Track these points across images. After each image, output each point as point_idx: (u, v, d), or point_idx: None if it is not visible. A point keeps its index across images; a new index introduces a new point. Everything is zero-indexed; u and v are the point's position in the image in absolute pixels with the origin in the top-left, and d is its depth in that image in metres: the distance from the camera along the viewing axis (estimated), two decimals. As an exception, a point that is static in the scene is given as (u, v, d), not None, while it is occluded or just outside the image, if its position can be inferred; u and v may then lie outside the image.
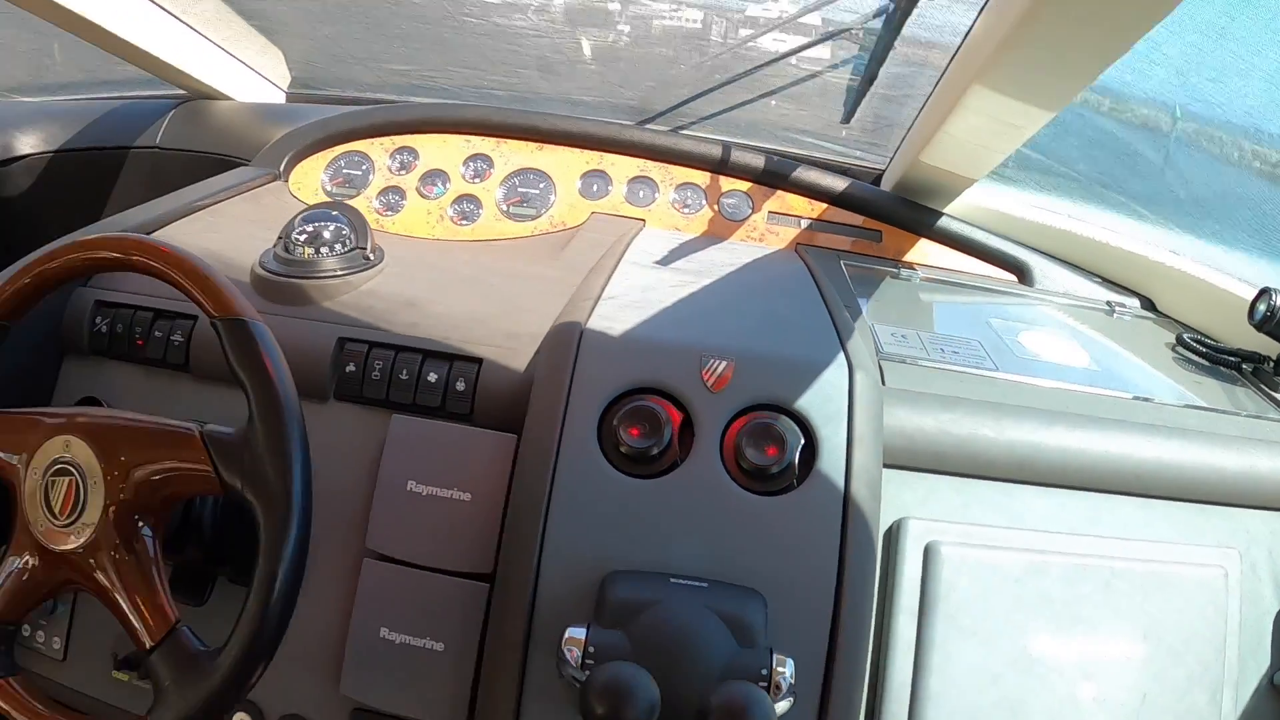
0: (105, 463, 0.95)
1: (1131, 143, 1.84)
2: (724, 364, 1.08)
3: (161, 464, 0.95)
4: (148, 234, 1.48)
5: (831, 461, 1.03)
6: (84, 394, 1.32)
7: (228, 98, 2.30)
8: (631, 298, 1.25)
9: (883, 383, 1.16)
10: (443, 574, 1.12)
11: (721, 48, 1.92)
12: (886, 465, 1.09)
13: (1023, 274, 1.77)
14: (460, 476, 1.14)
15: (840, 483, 1.02)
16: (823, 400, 1.07)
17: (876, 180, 1.91)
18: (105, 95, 2.54)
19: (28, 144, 2.31)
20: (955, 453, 1.11)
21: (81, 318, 1.34)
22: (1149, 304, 1.75)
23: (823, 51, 1.82)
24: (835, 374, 1.09)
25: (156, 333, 1.30)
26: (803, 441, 1.04)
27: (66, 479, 0.95)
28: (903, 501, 1.10)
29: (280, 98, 2.41)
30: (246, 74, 2.33)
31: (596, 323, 1.16)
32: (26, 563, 0.96)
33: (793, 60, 1.85)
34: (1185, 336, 1.54)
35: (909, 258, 1.78)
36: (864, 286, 1.56)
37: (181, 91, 2.34)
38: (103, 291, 1.35)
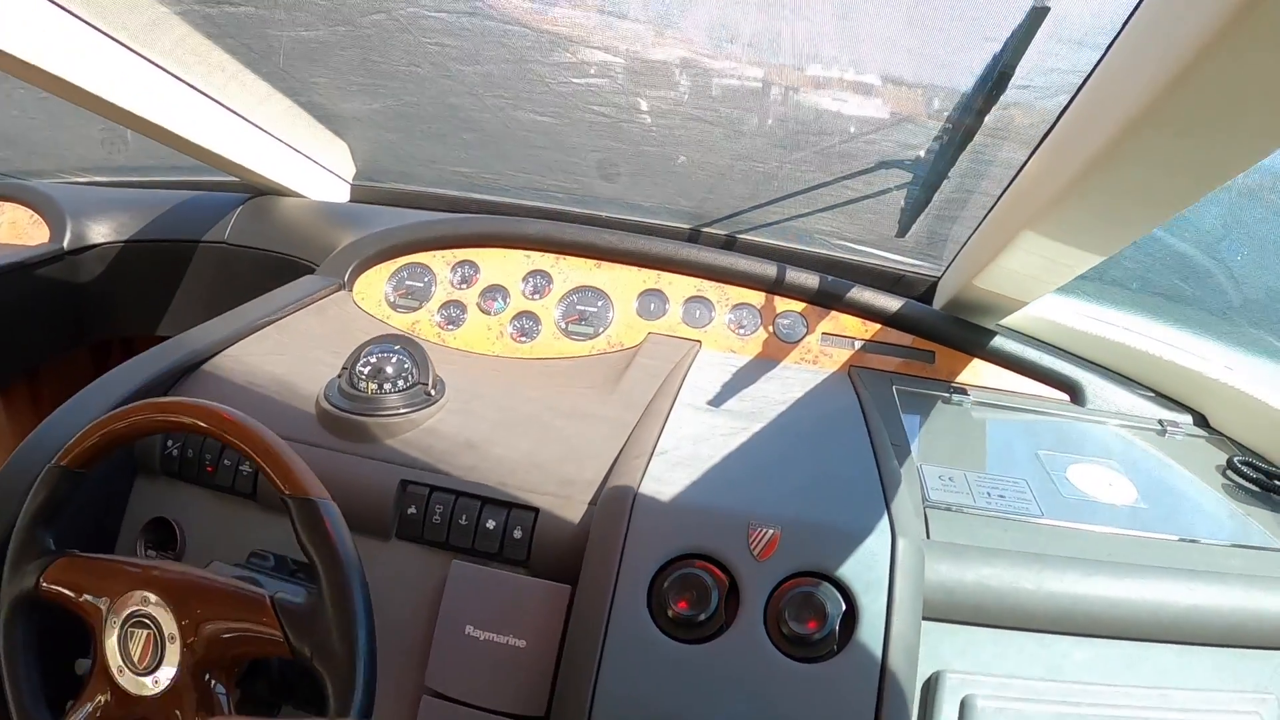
0: (181, 619, 1.00)
1: (1190, 255, 1.82)
2: (771, 532, 1.11)
3: (233, 624, 1.00)
4: (220, 353, 1.57)
5: (871, 629, 1.05)
6: (154, 514, 1.38)
7: (294, 193, 2.36)
8: (683, 452, 1.29)
9: (927, 535, 1.19)
10: (497, 715, 1.16)
11: (776, 163, 1.95)
12: (926, 618, 1.11)
13: (1075, 393, 1.76)
14: (516, 623, 1.18)
15: (879, 649, 1.04)
16: (865, 568, 1.09)
17: (928, 289, 1.94)
18: (175, 180, 2.64)
19: (100, 233, 2.41)
20: (995, 605, 1.13)
21: (154, 440, 1.39)
22: (1202, 420, 1.73)
23: (879, 174, 1.83)
24: (878, 541, 1.11)
25: (225, 460, 1.35)
26: (844, 609, 1.06)
27: (145, 631, 1.00)
28: (941, 654, 1.12)
29: (345, 191, 2.48)
30: (312, 169, 2.39)
31: (649, 485, 1.19)
32: (103, 702, 1.01)
33: (848, 183, 1.87)
34: (1237, 460, 1.52)
35: (961, 379, 1.79)
36: (915, 414, 1.58)
37: (249, 185, 2.41)
38: None
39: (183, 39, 1.86)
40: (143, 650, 1.00)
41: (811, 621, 1.05)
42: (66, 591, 1.06)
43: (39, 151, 2.85)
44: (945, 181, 1.72)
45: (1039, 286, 1.54)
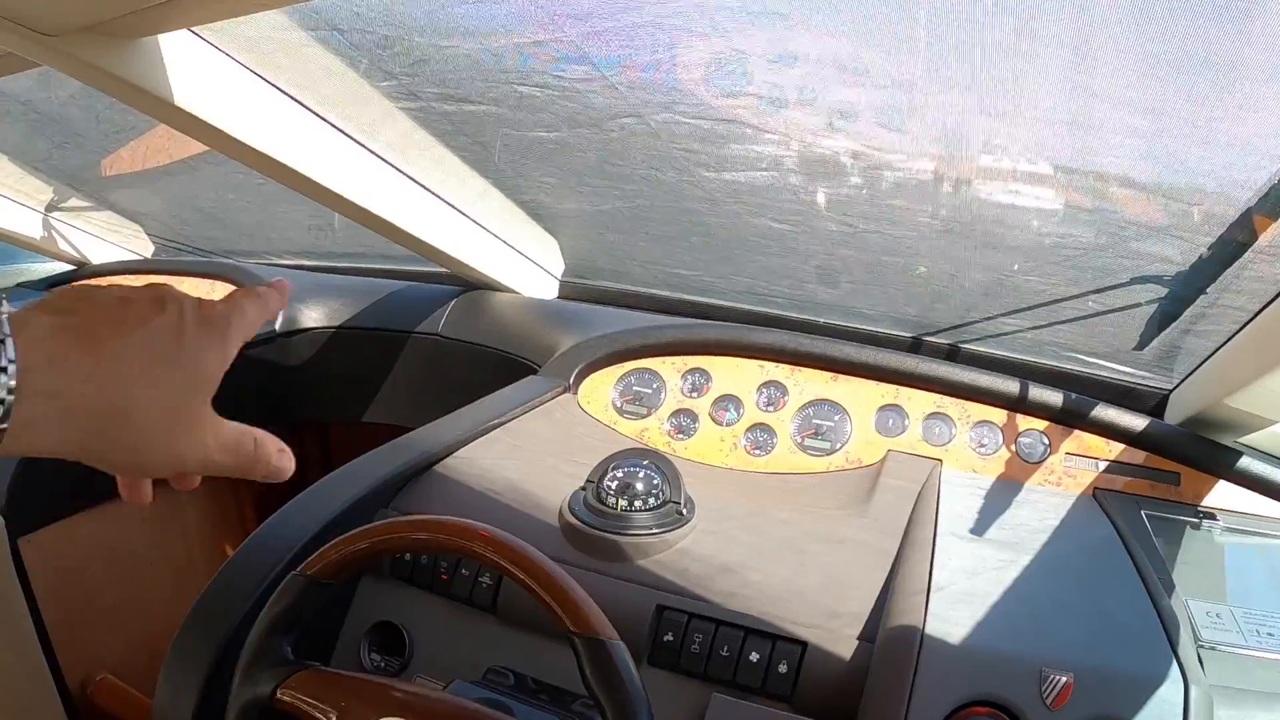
0: None
1: None
2: (1064, 679, 1.07)
3: None
4: (450, 454, 1.60)
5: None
6: (380, 617, 1.37)
7: (505, 288, 2.42)
8: (959, 588, 1.25)
9: (1206, 679, 1.13)
10: None
11: (1018, 270, 1.91)
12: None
13: None
14: (782, 763, 1.15)
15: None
16: (1158, 718, 1.05)
17: (1157, 402, 1.87)
18: (382, 269, 2.75)
19: (311, 317, 2.52)
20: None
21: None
22: None
23: (1130, 288, 1.78)
24: (1170, 690, 1.07)
25: (464, 570, 1.34)
26: (1137, 769, 1.01)
27: None
28: None
29: (554, 287, 2.53)
30: (525, 265, 2.45)
31: (934, 625, 1.16)
32: None
33: (1091, 298, 1.83)
34: None
35: (1209, 502, 1.70)
36: (1169, 544, 1.51)
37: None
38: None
39: (407, 133, 1.96)
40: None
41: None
42: (305, 707, 1.02)
43: (248, 233, 3.03)
44: (1202, 297, 1.66)
45: None
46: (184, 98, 1.51)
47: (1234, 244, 1.53)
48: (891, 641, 1.16)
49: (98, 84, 1.45)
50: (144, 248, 3.30)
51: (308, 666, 1.05)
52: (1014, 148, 1.67)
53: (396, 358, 2.48)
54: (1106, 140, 1.55)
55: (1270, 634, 1.26)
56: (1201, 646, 1.20)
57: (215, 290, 2.72)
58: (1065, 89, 1.48)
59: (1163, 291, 1.72)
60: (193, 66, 1.52)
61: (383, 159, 1.93)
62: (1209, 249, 1.59)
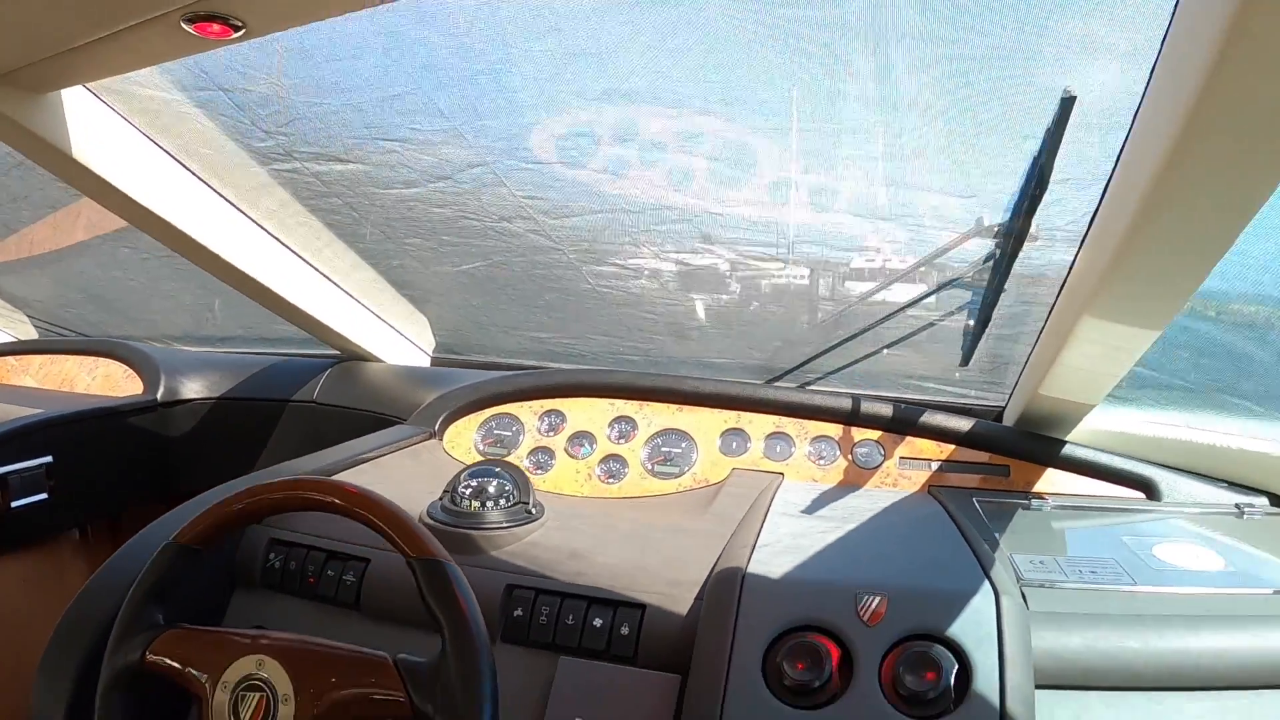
0: (298, 683, 1.03)
1: (1237, 344, 1.89)
2: (878, 599, 1.16)
3: (354, 688, 1.03)
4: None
5: (986, 683, 1.08)
6: (253, 624, 1.38)
7: (378, 359, 2.53)
8: (784, 544, 1.35)
9: (1027, 606, 1.22)
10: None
11: (838, 304, 2.05)
12: (1037, 686, 1.12)
13: (1150, 490, 1.80)
14: (626, 715, 1.22)
15: (995, 703, 1.07)
16: (973, 626, 1.13)
17: (998, 417, 2.00)
18: (261, 351, 2.82)
19: (192, 389, 2.58)
20: (1103, 667, 1.15)
21: (255, 553, 1.48)
22: (1277, 499, 1.78)
23: (937, 300, 1.93)
24: (982, 601, 1.16)
25: (329, 571, 1.42)
26: (956, 666, 1.10)
27: (258, 695, 1.03)
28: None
29: (426, 361, 2.64)
30: (396, 338, 2.57)
31: (755, 567, 1.25)
32: None
33: (909, 312, 1.96)
34: None
35: (1038, 488, 1.84)
36: (998, 520, 1.62)
37: (334, 352, 2.58)
38: (277, 530, 1.49)
39: (285, 202, 2.08)
40: (254, 712, 1.02)
41: (929, 674, 1.09)
42: (173, 663, 1.08)
43: (132, 317, 3.12)
44: (1002, 296, 1.80)
45: (1103, 381, 1.61)
46: (80, 152, 1.63)
47: (1014, 237, 1.69)
48: (716, 583, 1.25)
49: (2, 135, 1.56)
50: (27, 332, 3.36)
51: (179, 626, 1.11)
52: (837, 199, 1.87)
53: (275, 425, 2.55)
54: (904, 187, 1.78)
55: (1093, 572, 1.37)
56: (1026, 584, 1.30)
57: (99, 367, 2.80)
58: (867, 160, 1.74)
59: (968, 297, 1.89)
60: (88, 123, 1.64)
61: (262, 227, 2.05)
62: (996, 248, 1.76)
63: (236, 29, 1.29)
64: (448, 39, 1.73)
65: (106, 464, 2.40)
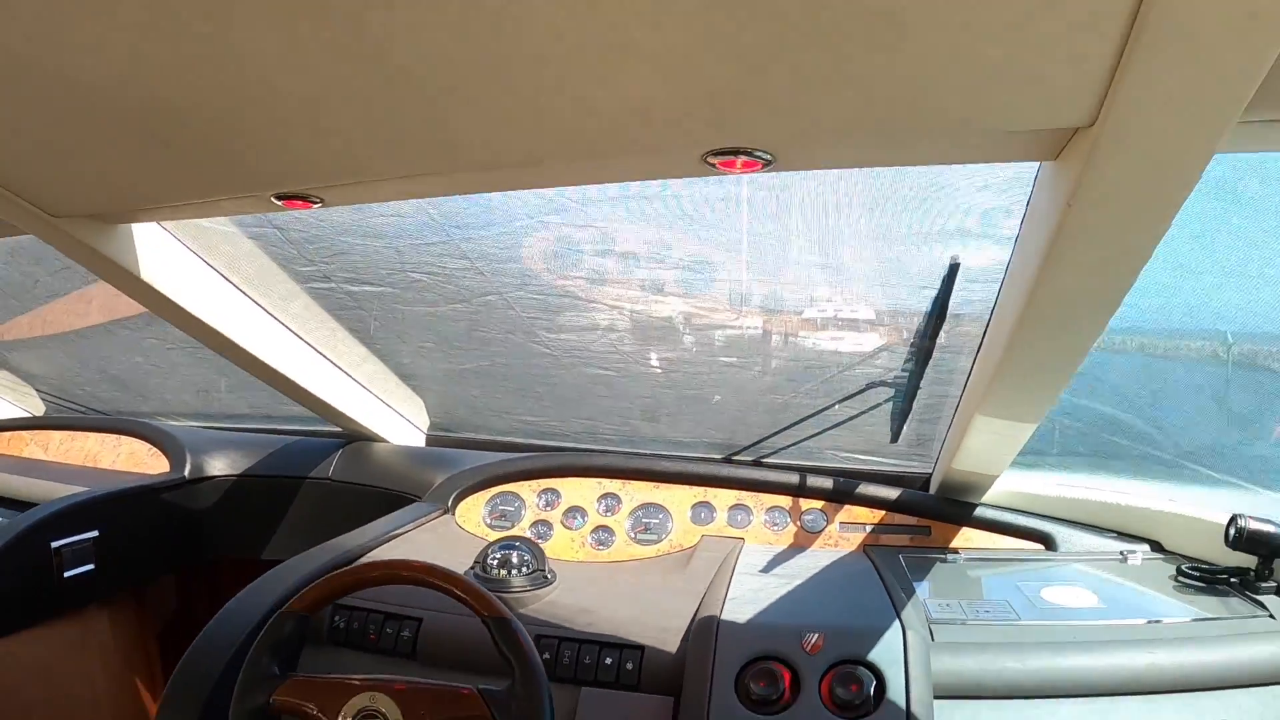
0: (406, 711, 1.33)
1: (1122, 418, 2.28)
2: (817, 635, 1.56)
3: (450, 713, 1.35)
4: (361, 556, 1.97)
5: (896, 693, 1.47)
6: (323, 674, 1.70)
7: (380, 439, 2.81)
8: (748, 597, 1.74)
9: (932, 639, 1.61)
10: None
11: (793, 393, 2.41)
12: (941, 697, 1.51)
13: (1048, 542, 2.16)
14: (636, 729, 1.59)
15: (902, 706, 1.45)
16: (886, 652, 1.53)
17: (925, 484, 2.37)
18: (270, 429, 3.06)
19: (217, 467, 2.81)
20: (990, 682, 1.53)
21: (322, 616, 1.77)
22: (1157, 546, 2.12)
23: (871, 392, 2.30)
24: (893, 635, 1.56)
25: (387, 629, 1.73)
26: (875, 681, 1.49)
27: None
28: None
29: (421, 438, 2.93)
30: (396, 419, 2.84)
31: (727, 615, 1.65)
32: None
33: (849, 401, 2.33)
34: (1185, 567, 1.92)
35: (955, 544, 2.20)
36: (918, 573, 1.99)
37: (337, 429, 2.83)
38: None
39: (310, 307, 2.38)
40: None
41: (854, 686, 1.48)
42: (300, 703, 1.36)
43: (143, 394, 3.31)
44: (920, 391, 2.17)
45: (999, 459, 1.97)
46: (147, 273, 1.88)
47: (924, 350, 2.09)
48: (699, 627, 1.64)
49: (79, 258, 1.81)
50: (35, 405, 3.54)
51: (293, 676, 1.42)
52: (781, 304, 2.24)
53: (292, 499, 2.80)
54: (841, 292, 2.16)
55: (988, 611, 1.76)
56: (934, 622, 1.69)
57: (121, 445, 3.00)
58: (807, 264, 2.11)
59: (892, 392, 2.26)
60: (155, 249, 1.90)
61: (287, 326, 2.33)
62: (911, 355, 2.14)
63: (315, 202, 1.55)
64: (479, 208, 2.09)
65: (144, 536, 2.61)
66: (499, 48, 0.95)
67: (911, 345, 2.12)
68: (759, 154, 1.15)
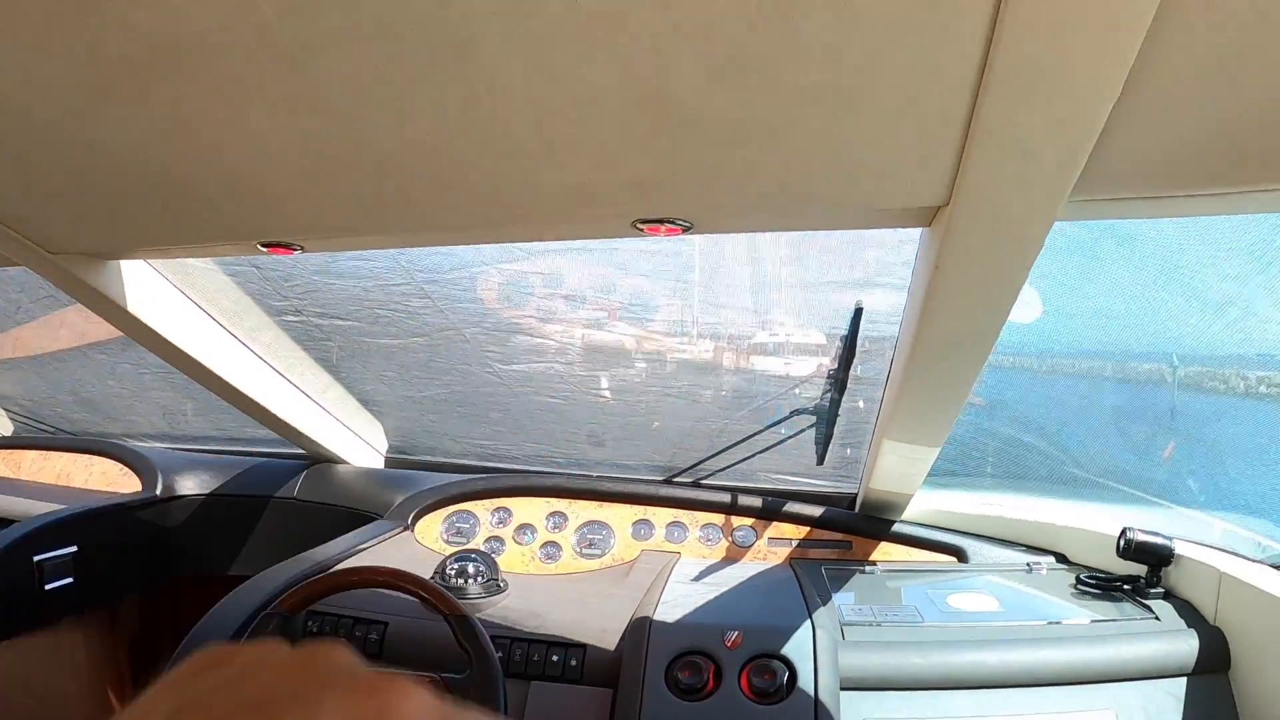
0: None
1: (1030, 441, 2.48)
2: (737, 633, 1.77)
3: None
4: (332, 567, 2.10)
5: (805, 683, 1.68)
6: None
7: (342, 460, 2.93)
8: (679, 602, 1.94)
9: (843, 638, 1.81)
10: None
11: (727, 419, 2.59)
12: (849, 688, 1.71)
13: (960, 555, 2.33)
14: (578, 717, 1.76)
15: (811, 694, 1.66)
16: (797, 647, 1.73)
17: (851, 502, 2.53)
18: (236, 451, 3.15)
19: (187, 486, 2.90)
20: (894, 675, 1.73)
21: (297, 624, 1.84)
22: (1062, 558, 2.29)
23: (797, 419, 2.49)
24: (804, 633, 1.77)
25: (356, 632, 1.88)
26: (787, 672, 1.70)
27: None
28: (862, 711, 1.71)
29: (380, 460, 3.05)
30: (356, 441, 2.96)
31: (659, 616, 1.85)
32: None
33: (778, 427, 2.52)
34: (1084, 575, 2.12)
35: (874, 557, 2.39)
36: (838, 583, 2.19)
37: (299, 451, 2.94)
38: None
39: (279, 338, 2.52)
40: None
41: (768, 675, 1.68)
42: None
43: (113, 417, 3.38)
44: (839, 419, 2.36)
45: (910, 479, 2.15)
46: (133, 306, 1.97)
47: (839, 380, 2.29)
48: (634, 627, 1.84)
49: (69, 291, 1.90)
50: (3, 426, 3.58)
51: None
52: (716, 339, 2.44)
53: (259, 518, 2.91)
54: (768, 330, 2.36)
55: (896, 614, 1.96)
56: (846, 624, 1.89)
57: (94, 464, 3.08)
58: (737, 306, 2.32)
59: (814, 419, 2.46)
60: (141, 284, 1.99)
61: (256, 354, 2.45)
62: (829, 385, 2.34)
63: (296, 249, 1.64)
64: (442, 255, 2.28)
65: (118, 552, 2.68)
66: (465, 138, 1.15)
67: (829, 378, 2.31)
68: (679, 221, 1.33)
